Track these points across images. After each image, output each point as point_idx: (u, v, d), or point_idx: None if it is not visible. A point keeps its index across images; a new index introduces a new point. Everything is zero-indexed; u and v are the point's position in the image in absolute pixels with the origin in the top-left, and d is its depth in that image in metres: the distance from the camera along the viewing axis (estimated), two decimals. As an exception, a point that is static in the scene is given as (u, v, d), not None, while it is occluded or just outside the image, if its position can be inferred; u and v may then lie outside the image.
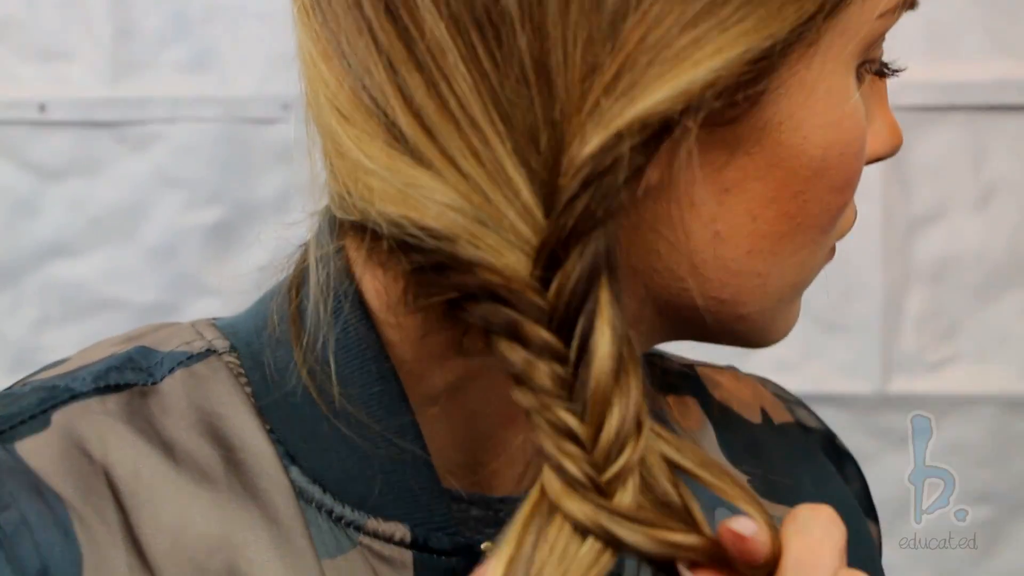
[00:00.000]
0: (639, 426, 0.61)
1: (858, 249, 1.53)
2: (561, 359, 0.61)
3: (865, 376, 1.58)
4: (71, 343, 0.78)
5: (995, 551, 1.60)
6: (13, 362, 1.48)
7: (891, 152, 0.75)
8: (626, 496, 0.60)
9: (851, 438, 1.52)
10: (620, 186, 0.61)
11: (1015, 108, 1.55)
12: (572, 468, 0.60)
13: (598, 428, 0.60)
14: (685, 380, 0.89)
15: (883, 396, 1.58)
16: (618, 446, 0.60)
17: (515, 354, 0.61)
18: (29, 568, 0.64)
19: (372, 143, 0.66)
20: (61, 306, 1.50)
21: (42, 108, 1.49)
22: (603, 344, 0.60)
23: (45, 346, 1.48)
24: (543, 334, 0.61)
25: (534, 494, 0.60)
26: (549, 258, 0.62)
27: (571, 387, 0.61)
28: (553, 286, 0.61)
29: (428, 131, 0.64)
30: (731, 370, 0.94)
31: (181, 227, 1.51)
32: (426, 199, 0.63)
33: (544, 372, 0.61)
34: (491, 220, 0.63)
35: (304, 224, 0.75)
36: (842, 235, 0.74)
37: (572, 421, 0.60)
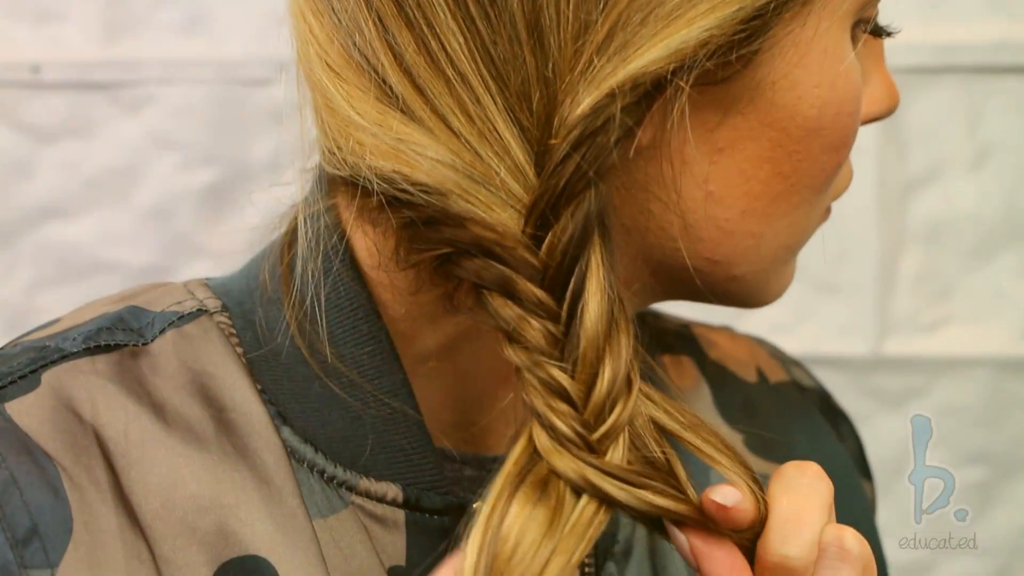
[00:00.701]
0: (629, 385, 0.61)
1: (853, 211, 1.53)
2: (553, 317, 0.61)
3: (860, 337, 1.58)
4: (66, 305, 0.78)
5: (989, 512, 1.60)
6: (8, 324, 1.48)
7: (887, 112, 0.74)
8: (616, 454, 0.60)
9: (846, 399, 1.52)
10: (612, 146, 0.61)
11: (1012, 69, 1.54)
12: (562, 425, 0.60)
13: (589, 386, 0.60)
14: (680, 340, 0.89)
15: (878, 357, 1.58)
16: (609, 404, 0.60)
17: (508, 310, 0.61)
18: (19, 527, 0.64)
19: (363, 99, 0.66)
20: (56, 268, 1.50)
21: (36, 70, 1.48)
22: (594, 304, 0.60)
23: (40, 308, 1.48)
24: (536, 291, 0.61)
25: (516, 451, 0.60)
26: (541, 217, 0.62)
27: (562, 346, 0.61)
28: (545, 245, 0.61)
29: (419, 88, 0.64)
30: (727, 330, 0.95)
31: (176, 189, 1.50)
32: (417, 155, 0.63)
33: (536, 329, 0.61)
34: (482, 177, 0.63)
35: (297, 184, 0.74)
36: (837, 195, 0.74)
37: (563, 379, 0.60)
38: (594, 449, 0.60)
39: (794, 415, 0.91)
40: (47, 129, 1.49)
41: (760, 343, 0.97)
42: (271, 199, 0.77)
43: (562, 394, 0.60)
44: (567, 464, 0.59)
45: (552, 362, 0.61)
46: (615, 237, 0.68)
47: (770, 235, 0.70)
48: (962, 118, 1.56)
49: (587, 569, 0.74)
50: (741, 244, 0.69)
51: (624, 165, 0.66)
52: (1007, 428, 1.60)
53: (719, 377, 0.89)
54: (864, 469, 0.96)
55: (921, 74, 1.53)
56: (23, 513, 0.64)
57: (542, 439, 0.60)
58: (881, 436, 1.59)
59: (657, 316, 0.90)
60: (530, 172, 0.63)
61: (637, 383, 0.62)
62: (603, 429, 0.60)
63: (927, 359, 1.59)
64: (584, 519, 0.59)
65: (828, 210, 0.75)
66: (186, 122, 1.51)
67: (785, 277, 0.75)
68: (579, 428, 0.60)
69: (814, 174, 0.69)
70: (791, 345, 1.37)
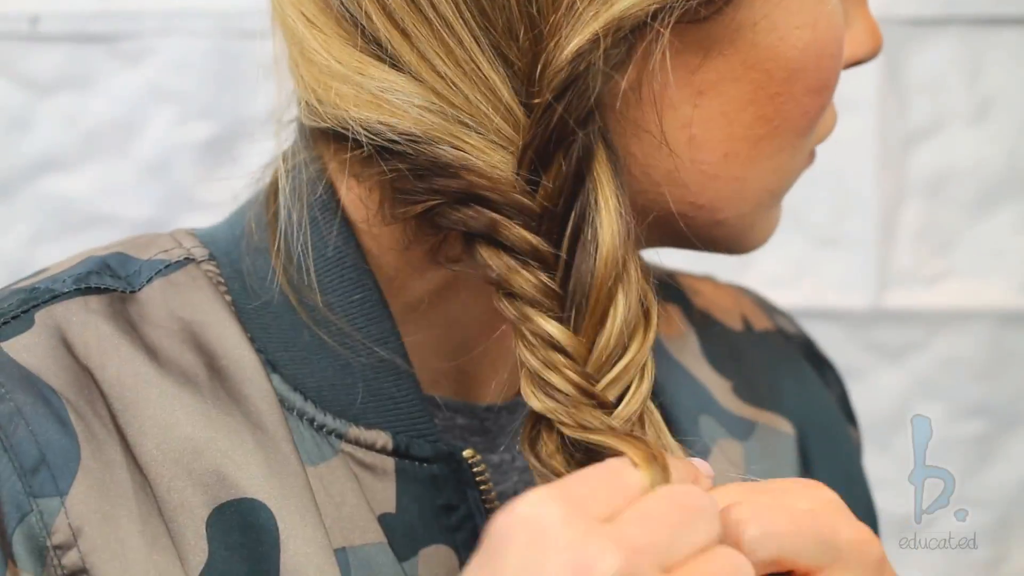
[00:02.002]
0: (647, 316, 0.61)
1: (853, 164, 1.52)
2: (547, 267, 0.61)
3: (860, 291, 1.58)
4: (65, 258, 0.77)
5: (989, 464, 1.60)
6: (7, 277, 1.47)
7: (870, 55, 0.74)
8: (637, 398, 0.60)
9: (846, 353, 1.52)
10: (598, 89, 0.61)
11: (1013, 21, 1.53)
12: (559, 380, 0.59)
13: (595, 331, 0.60)
14: (665, 289, 0.89)
15: (878, 311, 1.58)
16: (622, 344, 0.60)
17: (497, 260, 0.61)
18: (27, 457, 0.64)
19: (342, 49, 0.65)
20: (55, 221, 1.50)
21: (34, 21, 1.48)
22: (606, 234, 0.60)
23: (39, 261, 1.48)
24: (528, 236, 0.61)
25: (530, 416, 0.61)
26: (533, 160, 0.61)
27: (559, 297, 0.61)
28: (541, 189, 0.61)
29: (403, 33, 0.63)
30: (709, 279, 0.95)
31: (175, 141, 1.50)
32: (403, 103, 0.63)
33: (528, 280, 0.61)
34: (472, 120, 0.63)
35: (280, 136, 0.74)
36: (821, 139, 0.74)
37: (558, 330, 0.60)
38: (599, 399, 0.60)
39: (780, 362, 0.91)
40: (46, 81, 1.48)
41: (744, 292, 0.97)
42: (268, 151, 0.76)
43: (557, 346, 0.60)
44: (564, 421, 0.59)
45: (546, 314, 0.61)
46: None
47: (753, 179, 0.69)
48: (963, 70, 1.55)
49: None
50: (725, 188, 0.69)
51: (609, 113, 0.65)
52: (1007, 381, 1.60)
53: (705, 325, 0.89)
54: (849, 415, 0.96)
55: (922, 26, 1.52)
56: (30, 443, 0.64)
57: (537, 397, 0.60)
58: (881, 389, 1.59)
59: None
60: (520, 113, 0.62)
61: (655, 312, 0.61)
62: (612, 375, 0.60)
63: (927, 312, 1.59)
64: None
65: (813, 154, 0.75)
66: (185, 74, 1.50)
67: (770, 222, 0.74)
68: (579, 381, 0.60)
69: (797, 117, 0.69)
70: (791, 299, 1.37)
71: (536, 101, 0.61)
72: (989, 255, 1.58)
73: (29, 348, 0.67)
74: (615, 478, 0.56)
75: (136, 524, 0.65)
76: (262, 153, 0.77)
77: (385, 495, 0.69)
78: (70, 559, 0.63)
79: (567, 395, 0.60)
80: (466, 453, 0.71)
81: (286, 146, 0.73)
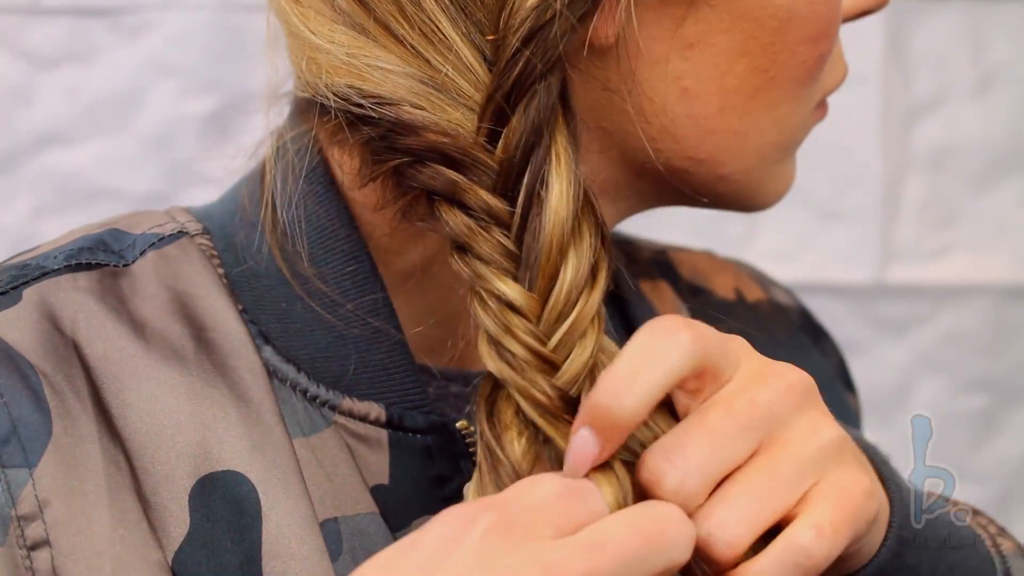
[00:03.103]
0: (595, 276, 0.60)
1: (856, 137, 1.52)
2: (504, 226, 0.60)
3: (863, 265, 1.57)
4: (61, 235, 0.78)
5: (991, 439, 1.60)
6: (8, 251, 1.48)
7: (878, 5, 0.73)
8: (580, 358, 0.59)
9: (849, 327, 1.52)
10: (562, 38, 0.61)
11: (1017, -6, 1.53)
12: (513, 343, 0.59)
13: (548, 289, 0.59)
14: (656, 265, 0.89)
15: (881, 285, 1.58)
16: (570, 301, 0.59)
17: (456, 219, 0.61)
18: None
19: (318, 20, 0.66)
20: (57, 195, 1.50)
21: (36, -5, 1.48)
22: (556, 193, 0.60)
23: (41, 235, 1.47)
24: (485, 196, 0.61)
25: (487, 379, 0.60)
26: (494, 114, 0.61)
27: (516, 257, 0.60)
28: (501, 142, 0.61)
29: (361, 1, 0.64)
30: (707, 253, 0.94)
31: (176, 115, 1.50)
32: (368, 67, 0.64)
33: (487, 240, 0.60)
34: (431, 80, 0.63)
35: (271, 111, 0.75)
36: (829, 91, 0.73)
37: (513, 290, 0.59)
38: (550, 361, 0.59)
39: (774, 332, 0.91)
40: (47, 55, 1.48)
41: (740, 265, 0.97)
42: (269, 125, 0.77)
43: (512, 306, 0.60)
44: (516, 386, 0.59)
45: (501, 274, 0.60)
46: (597, 140, 0.68)
47: (754, 132, 0.69)
48: (967, 44, 1.54)
49: None
50: (724, 142, 0.69)
51: (588, 64, 0.65)
52: (1009, 355, 1.60)
53: (695, 297, 0.89)
54: (848, 382, 0.96)
55: (926, -1, 1.52)
56: (2, 414, 0.65)
57: (493, 360, 0.60)
58: (883, 364, 1.59)
59: (631, 243, 0.90)
60: (480, 69, 0.62)
61: (604, 274, 0.61)
62: (560, 333, 0.59)
63: (930, 287, 1.58)
64: (516, 455, 0.59)
65: (824, 106, 0.74)
66: (187, 48, 1.50)
67: (782, 178, 0.74)
68: (533, 344, 0.59)
69: (794, 67, 0.68)
70: (794, 273, 1.37)
71: (500, 53, 0.61)
72: (992, 229, 1.58)
73: (13, 323, 0.67)
74: (573, 495, 0.55)
75: (104, 499, 0.65)
76: (263, 127, 0.77)
77: (378, 466, 0.70)
78: (33, 530, 0.64)
79: (520, 358, 0.59)
80: (459, 424, 0.71)
81: (280, 120, 0.74)
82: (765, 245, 1.53)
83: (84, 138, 1.50)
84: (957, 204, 1.57)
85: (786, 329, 0.92)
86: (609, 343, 0.61)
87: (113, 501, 0.65)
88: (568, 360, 0.59)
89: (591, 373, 0.59)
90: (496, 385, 0.60)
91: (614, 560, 0.52)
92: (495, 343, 0.59)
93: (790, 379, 0.60)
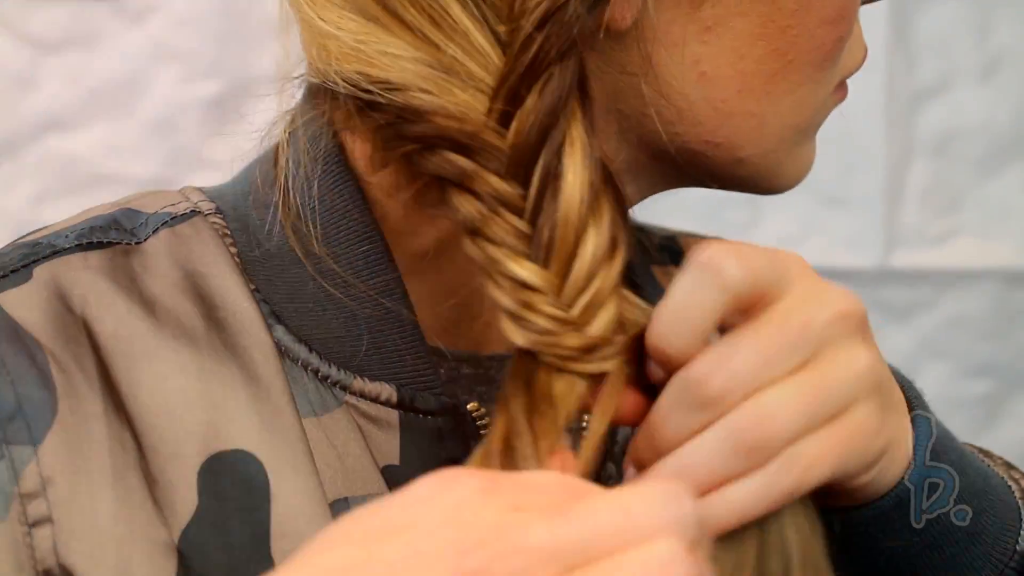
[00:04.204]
0: (614, 249, 0.60)
1: (861, 123, 1.52)
2: (516, 210, 0.60)
3: (867, 250, 1.57)
4: (74, 214, 0.78)
5: (996, 423, 1.61)
6: (11, 236, 1.48)
7: None
8: (599, 325, 0.59)
9: (852, 312, 1.52)
10: (577, 20, 0.60)
11: (1022, -22, 1.53)
12: (536, 318, 0.59)
13: (567, 265, 0.59)
14: (667, 252, 0.89)
15: (885, 270, 1.58)
16: (590, 273, 0.59)
17: (468, 206, 0.61)
18: (4, 405, 0.65)
19: (327, 7, 0.66)
20: (59, 180, 1.50)
21: (39, -21, 1.48)
22: (572, 175, 0.60)
23: (43, 220, 1.47)
24: (495, 182, 0.60)
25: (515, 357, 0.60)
26: (507, 97, 0.61)
27: (528, 238, 0.60)
28: (513, 125, 0.61)
29: None
30: (717, 240, 0.94)
31: (180, 100, 1.50)
32: (379, 53, 0.64)
33: (496, 224, 0.60)
34: (442, 65, 0.63)
35: (286, 93, 0.75)
36: (849, 73, 0.73)
37: (528, 270, 0.59)
38: (576, 326, 0.59)
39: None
40: (50, 40, 1.48)
41: None
42: (273, 109, 0.77)
43: (530, 286, 0.59)
44: (547, 346, 0.59)
45: (515, 255, 0.60)
46: (614, 123, 0.68)
47: (772, 115, 0.69)
48: (971, 29, 1.54)
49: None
50: (742, 125, 0.68)
51: (606, 48, 0.65)
52: (1013, 340, 1.60)
53: None
54: None
55: (930, -16, 1.52)
56: (9, 392, 0.65)
57: (518, 333, 0.60)
58: (888, 349, 1.58)
59: (642, 229, 0.90)
60: (493, 53, 0.62)
61: (623, 248, 0.61)
62: (584, 301, 0.59)
63: (934, 272, 1.58)
64: (558, 394, 0.59)
65: (843, 88, 0.74)
66: (190, 32, 1.50)
67: (802, 161, 0.73)
68: (557, 312, 0.59)
69: (812, 50, 0.68)
70: (797, 257, 1.36)
71: (515, 35, 0.61)
72: (996, 214, 1.58)
73: (22, 302, 0.67)
74: (575, 492, 0.53)
75: (108, 478, 0.65)
76: (268, 111, 0.77)
77: (389, 447, 0.69)
78: (36, 508, 0.64)
79: (544, 327, 0.59)
80: (471, 406, 0.71)
81: (293, 103, 0.73)
82: (769, 230, 1.53)
83: (87, 123, 1.50)
84: (961, 189, 1.57)
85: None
86: (634, 297, 0.61)
87: (117, 480, 0.65)
88: (595, 320, 0.59)
89: (621, 327, 0.60)
90: (524, 363, 0.60)
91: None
92: (517, 319, 0.59)
93: (844, 306, 0.60)
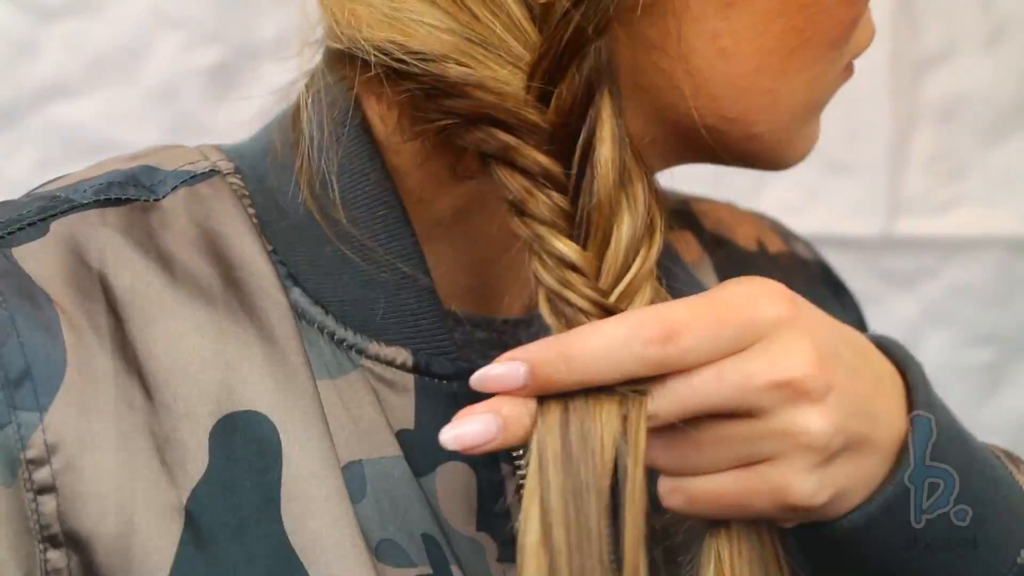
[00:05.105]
0: (651, 232, 0.61)
1: (865, 89, 1.51)
2: (560, 187, 0.61)
3: (871, 218, 1.57)
4: (93, 164, 0.78)
5: (998, 392, 1.61)
6: (14, 204, 1.48)
7: None
8: (640, 302, 0.60)
9: (857, 280, 1.51)
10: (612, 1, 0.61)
11: (1027, -56, 1.53)
12: (576, 297, 0.60)
13: (603, 246, 0.60)
14: (680, 216, 0.89)
15: (889, 238, 1.58)
16: (628, 257, 0.60)
17: (513, 181, 0.62)
18: (13, 367, 0.64)
19: None
20: (62, 147, 1.49)
21: (38, -54, 1.47)
22: (605, 152, 0.60)
23: (46, 188, 1.47)
24: (540, 158, 0.61)
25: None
26: (545, 75, 0.61)
27: (571, 216, 0.61)
28: (552, 103, 0.61)
29: None
30: (728, 204, 0.95)
31: (182, 67, 1.49)
32: (413, 22, 0.64)
33: (542, 201, 0.61)
34: (479, 37, 0.63)
35: (304, 56, 0.74)
36: (858, 52, 0.73)
37: (570, 249, 0.60)
38: (611, 312, 0.60)
39: (794, 285, 0.91)
40: (51, 7, 1.47)
41: (761, 217, 0.97)
42: (278, 76, 0.76)
43: (572, 265, 0.60)
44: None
45: (559, 233, 0.61)
46: (630, 97, 0.68)
47: (787, 92, 0.70)
48: (976, -5, 1.54)
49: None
50: (757, 101, 0.69)
51: (632, 22, 0.65)
52: (1017, 308, 1.60)
53: (719, 247, 0.89)
54: None
55: (935, -51, 1.51)
56: (18, 354, 0.65)
57: (552, 315, 0.61)
58: (891, 317, 1.59)
59: None
60: (530, 29, 0.62)
61: (659, 231, 0.62)
62: (621, 287, 0.60)
63: (938, 240, 1.58)
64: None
65: (850, 68, 0.75)
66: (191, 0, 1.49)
67: (808, 137, 0.74)
68: (595, 296, 0.60)
69: (829, 28, 0.69)
70: (802, 226, 1.36)
71: (551, 12, 0.61)
72: (1001, 182, 1.57)
73: (37, 256, 0.67)
74: None
75: (112, 442, 0.65)
76: (271, 77, 0.77)
77: (404, 411, 0.70)
78: (41, 475, 0.64)
79: (580, 308, 0.60)
80: (484, 371, 0.71)
81: (311, 65, 0.73)
82: (773, 198, 1.52)
83: (89, 91, 1.49)
84: (965, 157, 1.57)
85: (807, 283, 0.92)
86: (661, 289, 0.62)
87: (123, 444, 0.65)
88: (629, 305, 0.60)
89: None
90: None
91: None
92: (556, 297, 0.60)
93: (794, 373, 0.64)
